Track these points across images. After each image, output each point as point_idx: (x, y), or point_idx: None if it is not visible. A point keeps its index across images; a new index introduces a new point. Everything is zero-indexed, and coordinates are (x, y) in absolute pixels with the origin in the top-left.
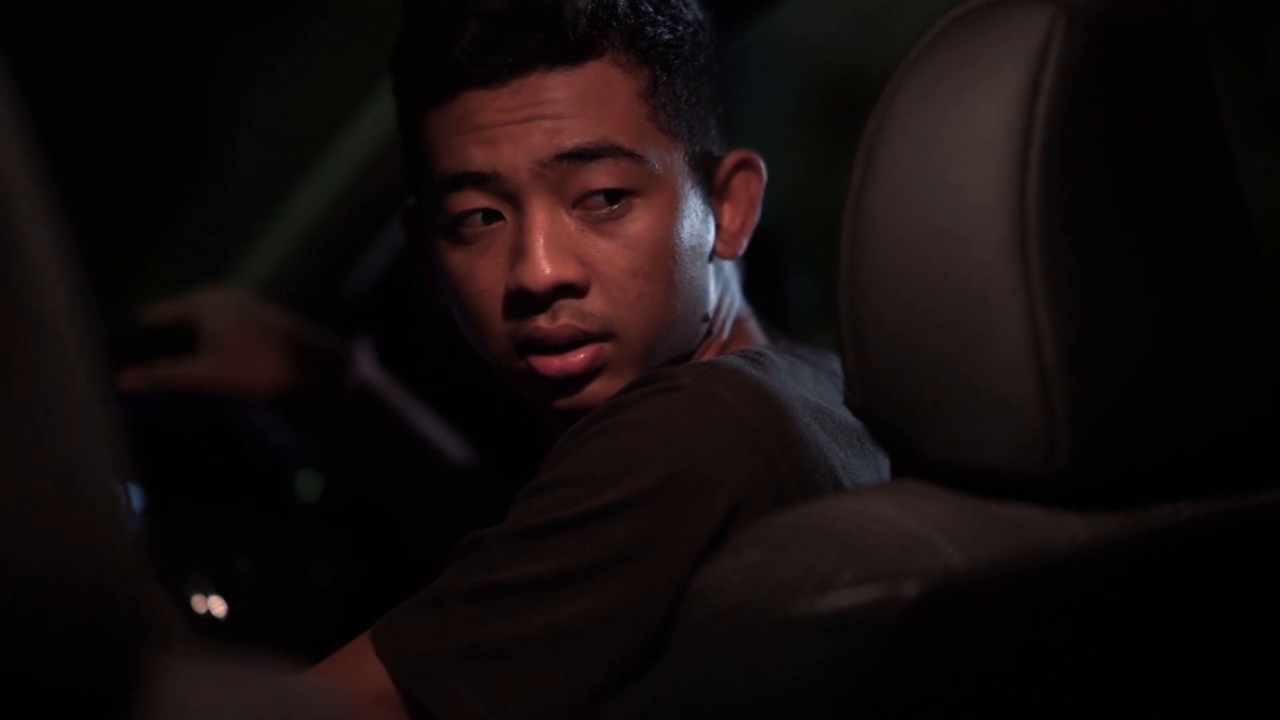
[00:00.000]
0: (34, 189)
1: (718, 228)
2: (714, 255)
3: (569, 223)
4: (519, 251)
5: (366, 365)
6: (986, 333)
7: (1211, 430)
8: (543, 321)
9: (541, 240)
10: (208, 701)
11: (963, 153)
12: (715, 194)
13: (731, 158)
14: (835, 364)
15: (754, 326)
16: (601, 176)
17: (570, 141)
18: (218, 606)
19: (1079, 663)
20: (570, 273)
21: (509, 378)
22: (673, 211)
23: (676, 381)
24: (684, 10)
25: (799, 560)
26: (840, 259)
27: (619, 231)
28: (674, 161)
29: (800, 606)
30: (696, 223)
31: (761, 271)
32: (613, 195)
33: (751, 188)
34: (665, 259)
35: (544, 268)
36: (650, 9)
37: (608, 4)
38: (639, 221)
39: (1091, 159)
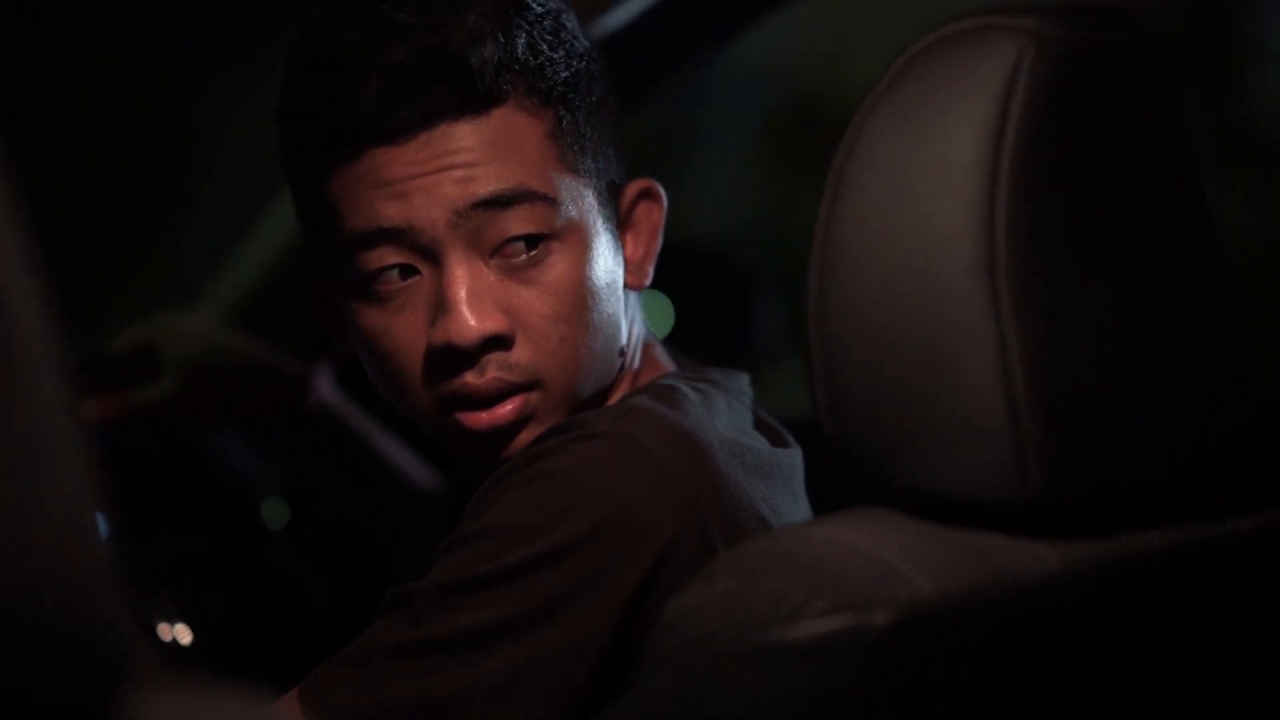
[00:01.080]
0: (8, 214)
1: (624, 259)
2: (624, 287)
3: (488, 273)
4: (441, 307)
5: (325, 388)
6: (956, 361)
7: (1183, 458)
8: (470, 377)
9: (464, 293)
10: None
11: (932, 181)
12: (620, 225)
13: (633, 187)
14: (744, 383)
15: (660, 352)
16: (518, 223)
17: (485, 189)
18: (184, 635)
19: (1051, 690)
20: (496, 324)
21: (432, 431)
22: (588, 251)
23: (593, 428)
24: (575, 44)
25: (770, 589)
26: (810, 287)
27: (539, 278)
28: (584, 200)
29: (772, 635)
30: (609, 259)
31: (725, 296)
32: (531, 241)
33: (653, 216)
34: (585, 300)
35: (470, 322)
36: (546, 49)
37: (509, 49)
38: (557, 265)
39: (1061, 186)
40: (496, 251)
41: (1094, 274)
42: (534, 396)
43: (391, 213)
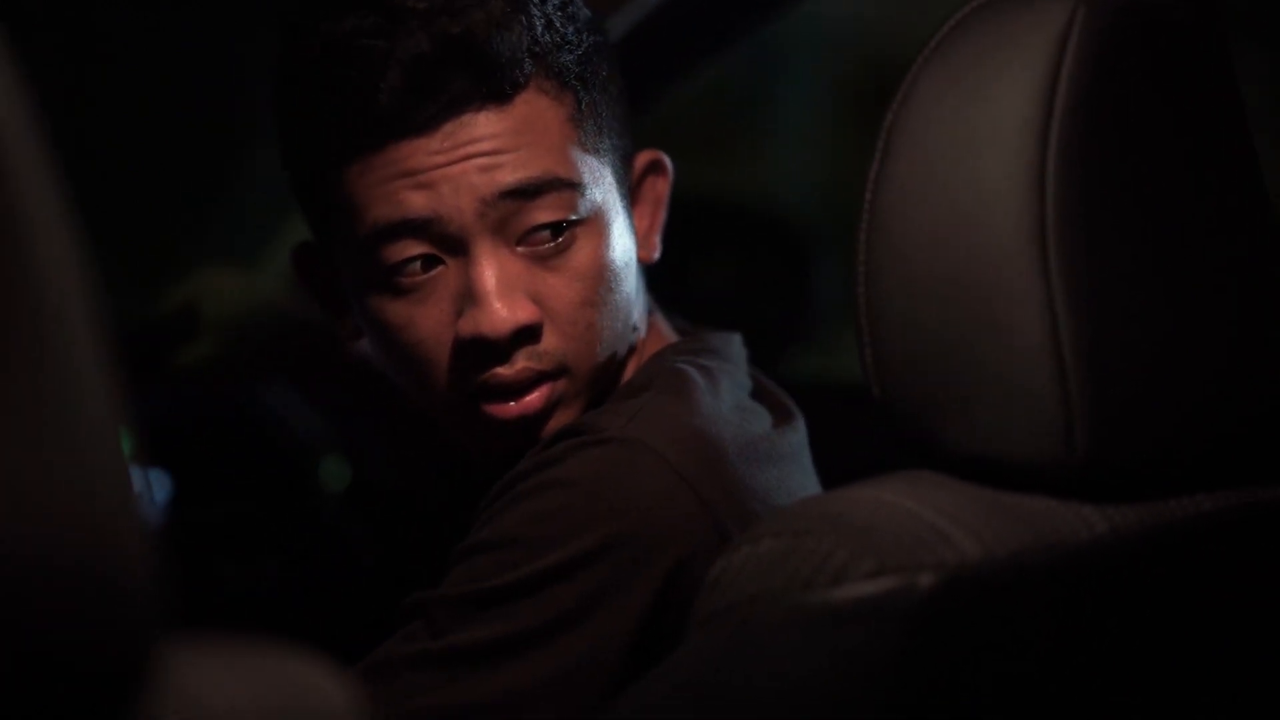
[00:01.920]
0: (44, 180)
1: (634, 233)
2: (639, 267)
3: (516, 261)
4: (469, 298)
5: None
6: (1005, 323)
7: (1231, 422)
8: (500, 369)
9: (494, 284)
10: (218, 688)
11: (982, 142)
12: (637, 197)
13: (641, 159)
14: (738, 345)
15: (660, 319)
16: (546, 211)
17: (511, 178)
18: (241, 594)
19: (1096, 654)
20: (527, 314)
21: (453, 423)
22: (609, 232)
23: (603, 433)
24: (582, 14)
25: (815, 550)
26: (857, 249)
27: (565, 264)
28: (605, 180)
29: (815, 597)
30: (626, 236)
31: (785, 263)
32: (557, 228)
33: (659, 188)
34: (608, 282)
35: (502, 313)
36: (560, 26)
37: (530, 32)
38: (583, 250)
39: (1111, 149)
40: (523, 239)
41: (1142, 237)
42: (561, 384)
43: (417, 203)
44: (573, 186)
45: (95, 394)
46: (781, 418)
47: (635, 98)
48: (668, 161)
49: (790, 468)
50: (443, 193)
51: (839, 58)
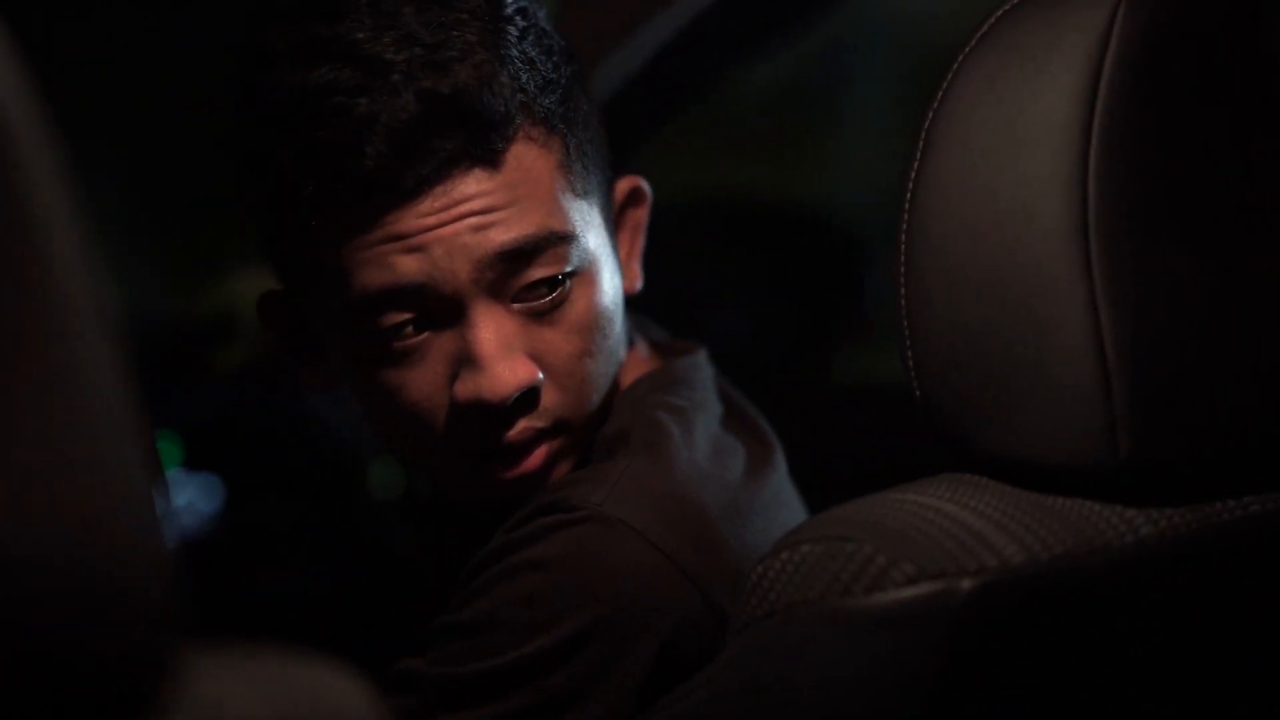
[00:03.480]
0: (55, 181)
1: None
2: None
3: (512, 320)
4: (466, 361)
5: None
6: (1047, 324)
7: (1276, 424)
8: (500, 431)
9: (493, 347)
10: (237, 694)
11: (1024, 140)
12: (614, 230)
13: (622, 187)
14: (704, 360)
15: (639, 341)
16: (542, 268)
17: (506, 237)
18: (287, 596)
19: (1140, 658)
20: (528, 375)
21: (447, 481)
22: (601, 277)
23: (577, 513)
24: (554, 44)
25: (854, 555)
26: (898, 248)
27: (562, 317)
28: (594, 223)
29: (856, 602)
30: (615, 276)
31: (838, 270)
32: (553, 283)
33: (639, 215)
34: (603, 330)
35: (504, 376)
36: (541, 66)
37: (515, 80)
38: (579, 301)
39: (1154, 145)
40: (519, 296)
41: (1186, 234)
42: (559, 441)
43: (409, 268)
44: (567, 239)
45: (111, 398)
46: (757, 453)
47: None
48: (646, 188)
49: (774, 513)
50: (435, 256)
51: (903, 54)
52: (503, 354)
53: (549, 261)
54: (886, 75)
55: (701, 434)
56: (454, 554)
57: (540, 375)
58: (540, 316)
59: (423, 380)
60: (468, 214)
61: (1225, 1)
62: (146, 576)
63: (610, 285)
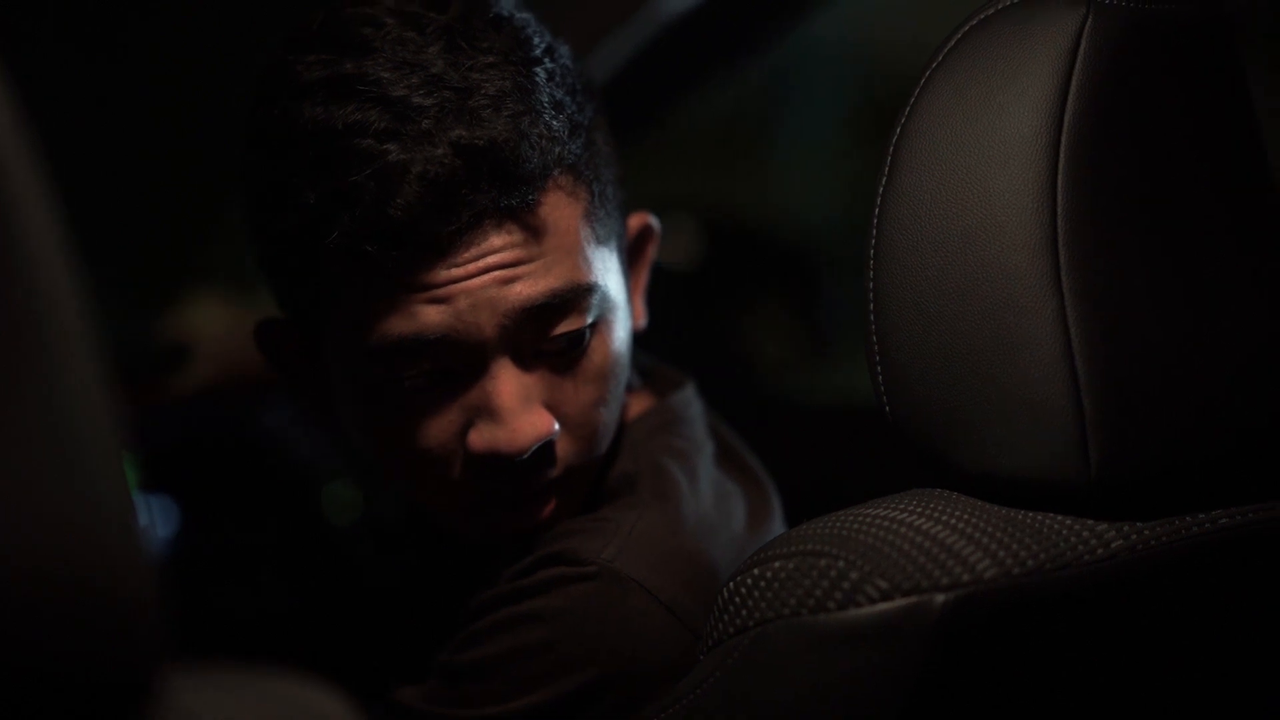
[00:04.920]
0: (41, 202)
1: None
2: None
3: (533, 373)
4: (484, 413)
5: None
6: (1017, 339)
7: (1246, 436)
8: (513, 482)
9: (514, 401)
10: (221, 710)
11: (991, 156)
12: (628, 271)
13: (635, 224)
14: (693, 395)
15: (635, 380)
16: (567, 322)
17: (534, 291)
18: (245, 619)
19: (1113, 670)
20: (546, 428)
21: (451, 522)
22: (616, 323)
23: (589, 566)
24: (580, 85)
25: (827, 571)
26: (867, 266)
27: (581, 369)
28: (613, 269)
29: (829, 618)
30: (628, 319)
31: (794, 289)
32: (577, 336)
33: (649, 252)
34: (617, 376)
35: (523, 429)
36: (569, 108)
37: (548, 130)
38: (598, 351)
39: (1122, 161)
40: (540, 349)
41: (1154, 251)
42: (569, 488)
43: (433, 320)
44: (591, 291)
45: (97, 417)
46: (756, 499)
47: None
48: (657, 225)
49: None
50: (460, 308)
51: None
52: (522, 407)
53: (573, 315)
54: (836, 98)
55: (705, 480)
56: (445, 582)
57: (557, 427)
58: (559, 367)
59: (437, 429)
60: (495, 266)
61: (1190, 18)
62: (133, 592)
63: (624, 329)
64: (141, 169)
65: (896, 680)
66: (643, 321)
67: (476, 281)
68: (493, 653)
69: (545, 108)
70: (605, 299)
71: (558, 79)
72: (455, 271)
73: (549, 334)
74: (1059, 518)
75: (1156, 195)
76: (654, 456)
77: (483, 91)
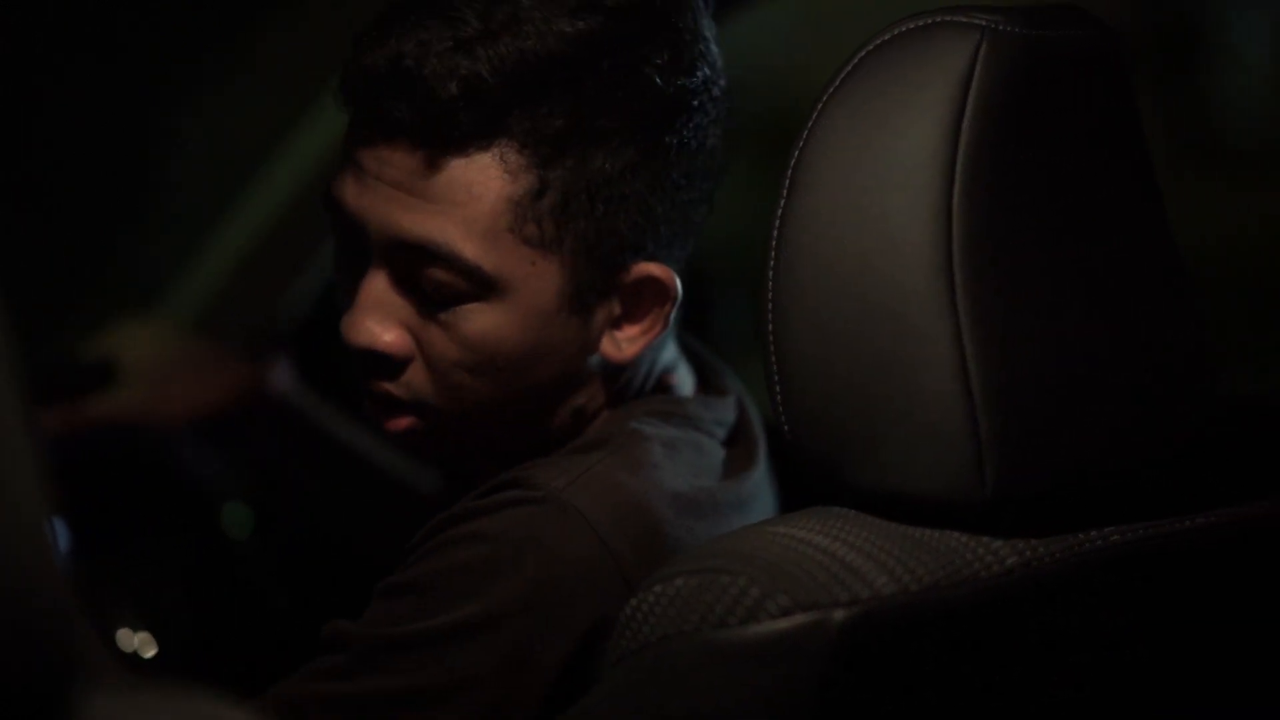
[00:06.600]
0: None
1: (604, 333)
2: (599, 357)
3: (406, 297)
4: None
5: (284, 382)
6: (913, 361)
7: (1141, 455)
8: (370, 380)
9: (368, 301)
10: None
11: (887, 179)
12: (615, 297)
13: (645, 271)
14: (726, 409)
15: (680, 378)
16: (438, 274)
17: (411, 228)
18: (146, 644)
19: (1009, 687)
20: (378, 339)
21: None
22: (526, 322)
23: (537, 491)
24: (640, 78)
25: (729, 587)
26: (765, 288)
27: (453, 324)
28: (543, 276)
29: (731, 633)
30: (564, 334)
31: (688, 301)
32: (450, 292)
33: (664, 307)
34: (503, 363)
35: (358, 326)
36: (572, 111)
37: (483, 90)
38: (475, 322)
39: (1017, 184)
40: (416, 284)
41: (1051, 273)
42: (424, 421)
43: (349, 193)
44: (471, 271)
45: (12, 434)
46: (739, 452)
47: None
48: (675, 285)
49: (732, 517)
50: (364, 200)
51: (750, 99)
52: (372, 309)
53: (450, 274)
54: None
55: (688, 454)
56: (318, 581)
57: (397, 349)
58: (430, 309)
59: (347, 294)
60: (393, 181)
61: (1082, 44)
62: (47, 609)
63: (544, 340)
64: (72, 185)
65: (799, 695)
66: (627, 359)
67: (386, 190)
68: (429, 570)
69: (534, 87)
70: (503, 291)
71: (611, 94)
72: (370, 163)
73: (421, 274)
74: (956, 535)
75: (1053, 217)
76: (638, 430)
77: (500, 36)
